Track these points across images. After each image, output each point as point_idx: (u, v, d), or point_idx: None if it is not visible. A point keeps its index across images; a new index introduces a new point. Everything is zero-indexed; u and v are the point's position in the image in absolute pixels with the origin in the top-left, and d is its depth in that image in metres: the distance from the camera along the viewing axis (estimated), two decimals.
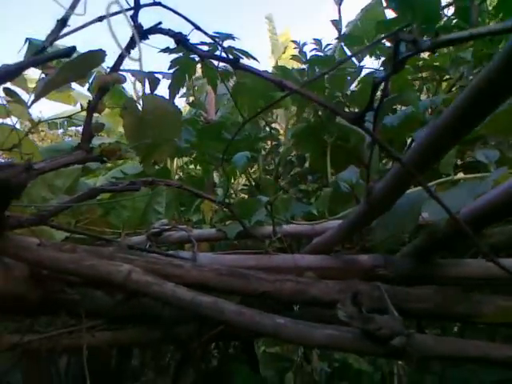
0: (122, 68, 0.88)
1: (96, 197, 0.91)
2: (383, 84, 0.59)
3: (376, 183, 0.77)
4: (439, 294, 0.86)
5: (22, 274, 0.78)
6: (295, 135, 1.99)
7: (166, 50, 1.10)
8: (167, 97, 1.17)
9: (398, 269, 1.01)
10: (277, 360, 2.49)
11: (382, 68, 1.54)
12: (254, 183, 2.01)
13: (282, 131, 2.51)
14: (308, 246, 1.20)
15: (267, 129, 2.44)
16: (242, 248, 1.38)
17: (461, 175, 1.02)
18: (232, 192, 1.67)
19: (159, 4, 0.78)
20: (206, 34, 0.76)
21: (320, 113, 1.97)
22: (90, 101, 0.88)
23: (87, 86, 1.54)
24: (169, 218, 1.56)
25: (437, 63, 1.83)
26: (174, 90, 1.09)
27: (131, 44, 0.83)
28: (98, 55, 0.85)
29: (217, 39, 1.03)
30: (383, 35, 1.40)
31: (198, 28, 0.72)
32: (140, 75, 1.07)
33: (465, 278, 0.97)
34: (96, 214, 1.40)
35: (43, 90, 0.91)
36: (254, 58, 1.11)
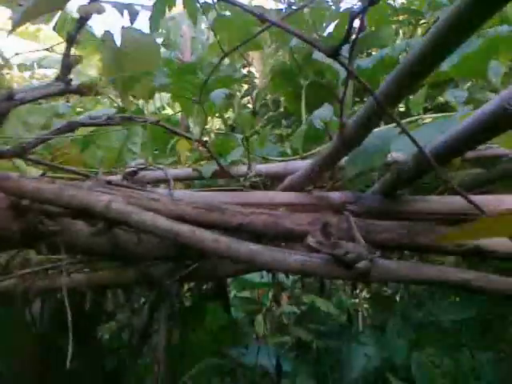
0: None
1: (74, 130, 0.92)
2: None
3: (349, 119, 0.79)
4: (403, 226, 0.91)
5: (1, 206, 0.79)
6: (270, 77, 1.98)
7: None
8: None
9: (367, 205, 1.06)
10: (247, 303, 2.60)
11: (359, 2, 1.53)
12: (228, 126, 2.02)
13: (257, 74, 2.49)
14: (281, 184, 1.24)
15: (243, 71, 2.42)
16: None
17: (432, 115, 1.05)
18: (207, 134, 1.67)
19: None
20: None
21: (295, 55, 1.96)
22: (68, 32, 0.86)
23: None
24: (145, 158, 1.56)
25: (413, 7, 1.83)
26: (154, 22, 1.06)
27: None
28: None
29: None
30: None
31: None
32: (119, 7, 1.03)
33: (429, 213, 1.03)
34: (71, 151, 1.40)
35: (21, 19, 0.88)
36: None
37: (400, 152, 0.95)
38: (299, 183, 1.15)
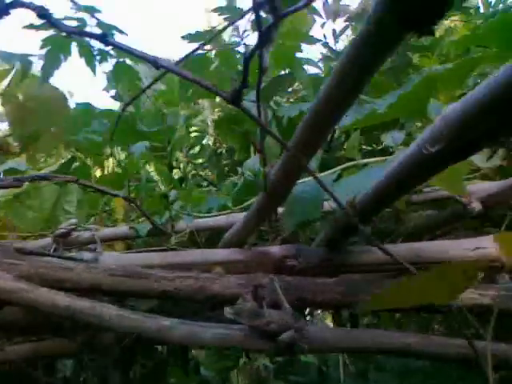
0: None
1: None
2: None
3: (272, 169, 0.73)
4: (341, 282, 0.84)
5: None
6: (217, 126, 1.94)
7: (31, 26, 0.98)
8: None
9: (309, 258, 0.98)
10: (219, 359, 2.45)
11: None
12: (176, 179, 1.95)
13: (209, 122, 2.46)
14: (222, 239, 1.17)
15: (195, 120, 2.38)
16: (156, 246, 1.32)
17: (369, 160, 1.01)
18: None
19: None
20: (74, 2, 0.69)
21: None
22: None
23: None
24: (82, 218, 1.47)
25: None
26: (47, 72, 0.98)
27: None
28: None
29: (87, 13, 0.94)
30: None
31: None
32: (9, 58, 0.96)
33: (378, 264, 0.96)
34: None
35: None
36: (124, 33, 1.03)
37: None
38: (238, 238, 1.07)
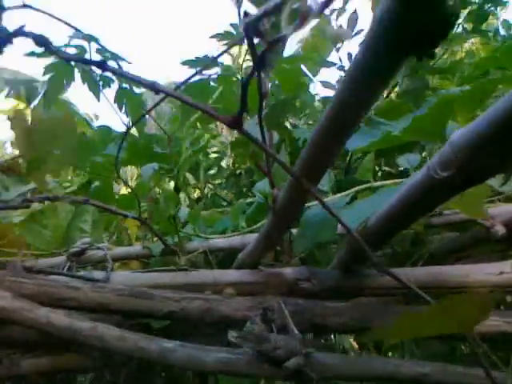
0: None
1: None
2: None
3: (280, 189, 0.71)
4: (355, 307, 0.81)
5: None
6: (233, 147, 1.94)
7: (32, 54, 0.99)
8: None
9: (323, 281, 0.95)
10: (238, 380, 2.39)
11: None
12: (193, 199, 1.95)
13: (228, 143, 2.46)
14: (236, 260, 1.14)
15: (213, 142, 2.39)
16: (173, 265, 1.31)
17: (383, 182, 0.98)
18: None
19: (27, 6, 0.71)
20: (75, 29, 0.69)
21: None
22: None
23: None
24: (97, 237, 1.47)
25: None
26: (50, 97, 0.99)
27: None
28: None
29: (87, 40, 0.95)
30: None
31: (68, 24, 0.65)
32: (13, 83, 0.97)
33: (387, 288, 0.93)
34: (12, 234, 1.30)
35: None
36: (124, 60, 1.03)
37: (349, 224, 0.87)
38: (251, 259, 1.05)
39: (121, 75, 0.54)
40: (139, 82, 0.56)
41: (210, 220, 1.18)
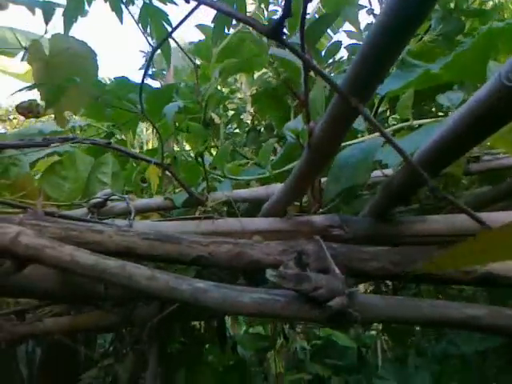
0: None
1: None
2: None
3: (317, 123, 0.65)
4: (395, 252, 0.76)
5: None
6: (255, 101, 1.86)
7: None
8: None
9: (355, 228, 0.90)
10: (257, 340, 2.40)
11: None
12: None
13: (247, 99, 2.38)
14: (261, 210, 1.10)
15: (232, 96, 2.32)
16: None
17: (424, 121, 0.91)
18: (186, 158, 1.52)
19: None
20: None
21: (281, 76, 1.84)
22: None
23: None
24: (117, 190, 1.43)
25: None
26: (69, 17, 0.92)
27: None
28: None
29: None
30: None
31: None
32: (29, 3, 0.90)
33: (428, 235, 0.88)
34: (30, 186, 1.27)
35: None
36: None
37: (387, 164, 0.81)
38: (278, 208, 1.00)
39: None
40: None
41: (232, 171, 1.13)
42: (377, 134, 0.89)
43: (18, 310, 1.42)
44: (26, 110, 0.84)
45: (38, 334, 1.52)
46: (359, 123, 0.92)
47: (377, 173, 1.03)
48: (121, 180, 1.43)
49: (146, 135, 2.74)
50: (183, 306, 1.23)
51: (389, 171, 0.97)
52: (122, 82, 1.75)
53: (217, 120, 1.48)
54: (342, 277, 0.56)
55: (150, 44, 0.79)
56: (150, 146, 2.53)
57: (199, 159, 0.95)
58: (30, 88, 0.94)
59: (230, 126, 2.34)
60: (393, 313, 0.56)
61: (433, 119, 0.87)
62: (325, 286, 0.54)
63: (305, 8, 0.49)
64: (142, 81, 0.77)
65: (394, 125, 1.13)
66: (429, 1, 0.43)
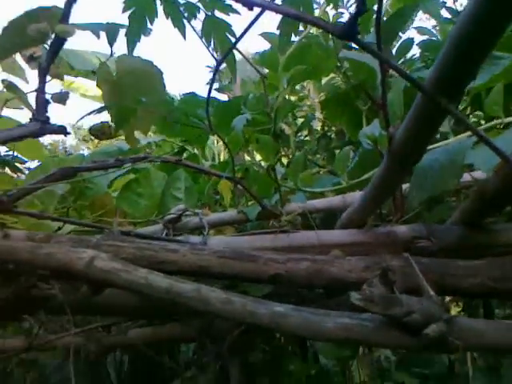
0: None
1: (70, 178, 0.80)
2: None
3: (397, 127, 0.60)
4: (495, 265, 0.67)
5: None
6: (324, 107, 1.81)
7: None
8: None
9: (443, 239, 0.83)
10: (338, 348, 2.32)
11: None
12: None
13: (316, 106, 2.33)
14: (338, 221, 1.04)
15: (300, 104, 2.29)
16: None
17: None
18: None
19: None
20: None
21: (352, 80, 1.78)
22: (38, 61, 0.75)
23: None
24: (191, 205, 1.43)
25: None
26: (132, 37, 0.91)
27: None
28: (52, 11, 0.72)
29: None
30: None
31: None
32: (93, 28, 0.91)
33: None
34: (109, 204, 1.31)
35: None
36: None
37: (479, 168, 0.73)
38: (357, 218, 0.94)
39: None
40: None
41: (304, 181, 1.08)
42: (465, 134, 0.80)
43: (104, 325, 1.47)
44: (99, 131, 0.85)
45: (123, 345, 1.57)
46: (443, 124, 0.84)
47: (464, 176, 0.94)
48: (194, 194, 1.44)
49: (217, 147, 2.76)
50: None
51: (478, 174, 0.88)
52: (190, 98, 1.78)
53: (287, 130, 1.44)
54: (437, 299, 0.50)
55: (214, 58, 0.77)
56: (222, 158, 2.54)
57: (271, 173, 0.92)
58: (99, 110, 0.96)
59: (300, 133, 2.29)
60: (503, 340, 0.49)
61: None
62: (418, 310, 0.48)
63: (380, 2, 0.44)
64: (208, 95, 0.75)
65: (476, 123, 1.04)
66: None
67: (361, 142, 0.86)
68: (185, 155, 2.05)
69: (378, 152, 0.75)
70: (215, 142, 2.66)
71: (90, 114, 0.96)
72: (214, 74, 0.72)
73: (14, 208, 0.71)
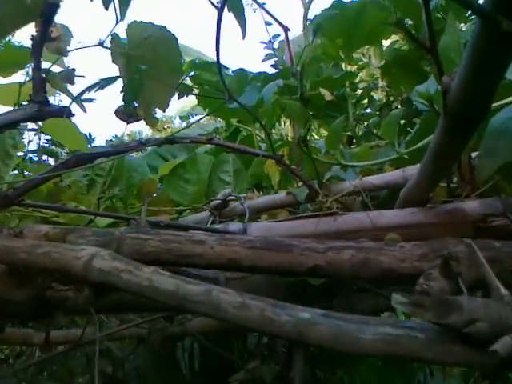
0: None
1: (82, 165, 0.73)
2: None
3: (453, 77, 0.46)
4: None
5: None
6: (386, 72, 1.64)
7: None
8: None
9: None
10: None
11: None
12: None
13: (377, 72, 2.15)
14: (398, 199, 0.91)
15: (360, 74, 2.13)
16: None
17: None
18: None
19: None
20: None
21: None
22: (32, 36, 0.68)
23: None
24: (241, 188, 1.35)
25: None
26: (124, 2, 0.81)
27: None
28: None
29: None
30: None
31: None
32: None
33: None
34: (156, 191, 1.26)
35: None
36: None
37: None
38: (417, 195, 0.81)
39: None
40: None
41: (360, 156, 0.95)
42: None
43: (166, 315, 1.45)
44: (125, 114, 0.79)
45: (187, 333, 1.55)
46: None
47: None
48: (244, 177, 1.35)
49: (285, 128, 2.64)
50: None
51: None
52: (240, 74, 1.68)
53: (327, 96, 1.30)
54: (510, 301, 0.37)
55: (213, 5, 0.66)
56: (290, 138, 2.43)
57: (301, 144, 0.80)
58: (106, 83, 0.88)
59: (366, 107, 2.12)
60: None
61: None
62: (485, 318, 0.36)
63: None
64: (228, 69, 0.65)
65: None
66: None
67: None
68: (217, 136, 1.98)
69: (434, 112, 0.61)
70: (282, 122, 2.54)
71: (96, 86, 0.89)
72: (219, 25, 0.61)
73: (21, 201, 0.66)
